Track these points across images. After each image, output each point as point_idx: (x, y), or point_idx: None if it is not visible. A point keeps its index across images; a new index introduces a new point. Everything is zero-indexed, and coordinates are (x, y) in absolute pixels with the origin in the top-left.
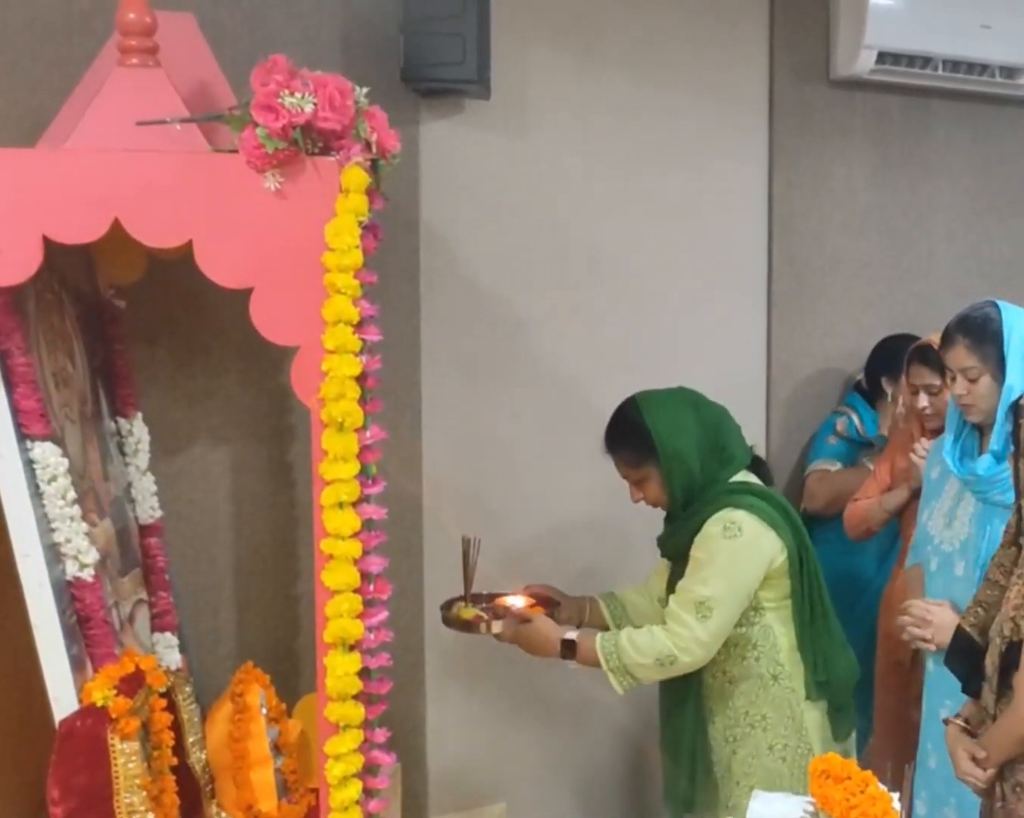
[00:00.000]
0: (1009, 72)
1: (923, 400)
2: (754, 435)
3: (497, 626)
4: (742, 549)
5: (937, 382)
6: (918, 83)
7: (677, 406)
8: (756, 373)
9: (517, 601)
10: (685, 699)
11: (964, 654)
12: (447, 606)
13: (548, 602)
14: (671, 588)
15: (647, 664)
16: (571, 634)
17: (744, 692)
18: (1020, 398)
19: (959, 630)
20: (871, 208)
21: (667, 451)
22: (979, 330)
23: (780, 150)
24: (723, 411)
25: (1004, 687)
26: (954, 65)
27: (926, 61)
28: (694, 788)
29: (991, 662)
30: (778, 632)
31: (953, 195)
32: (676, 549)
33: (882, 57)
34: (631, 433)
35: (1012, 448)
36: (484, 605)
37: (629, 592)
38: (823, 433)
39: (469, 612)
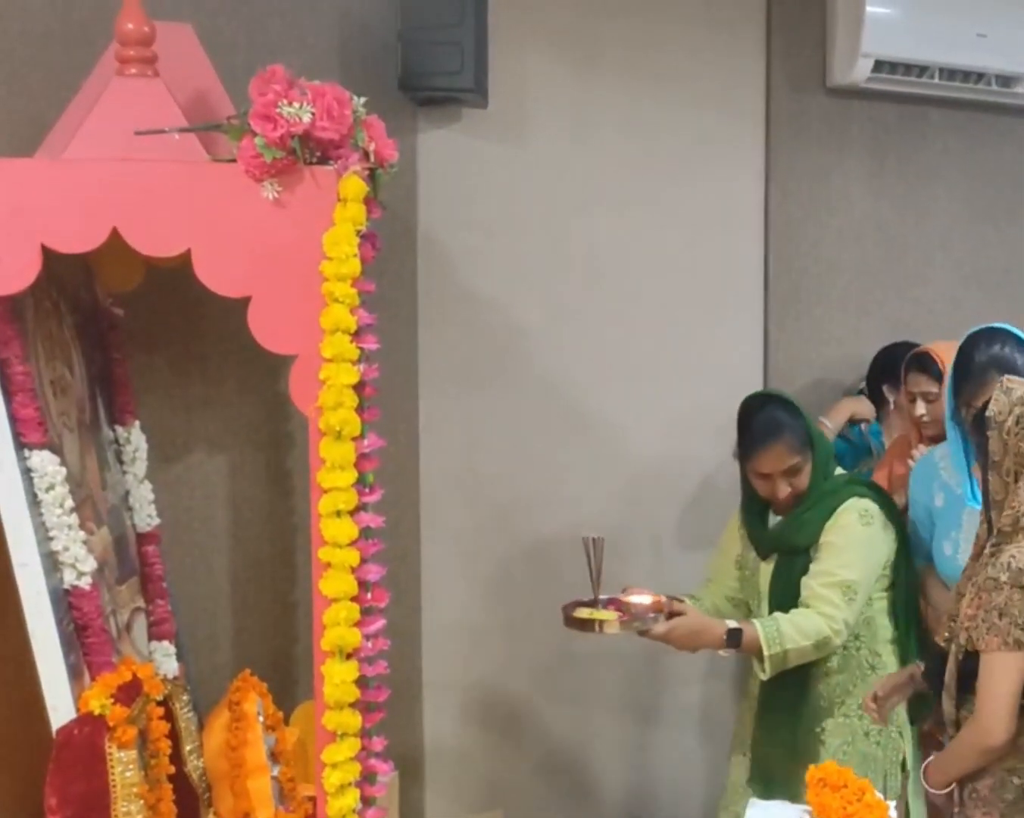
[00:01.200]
0: (1005, 81)
1: (920, 407)
2: None
3: (613, 627)
4: (875, 536)
5: (935, 389)
6: (915, 91)
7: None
8: (753, 380)
9: (643, 599)
10: (796, 686)
11: (940, 668)
12: (571, 607)
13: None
14: (780, 580)
15: (805, 647)
16: (733, 623)
17: (841, 682)
18: (986, 408)
19: (934, 645)
20: (868, 216)
21: (820, 439)
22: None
23: (777, 158)
24: None
25: (963, 694)
26: (950, 74)
27: (923, 70)
28: (787, 774)
29: (949, 670)
30: (879, 624)
31: (950, 203)
32: (794, 540)
33: (879, 65)
34: (792, 422)
35: (980, 459)
36: (614, 605)
37: (706, 594)
38: None
39: (609, 614)
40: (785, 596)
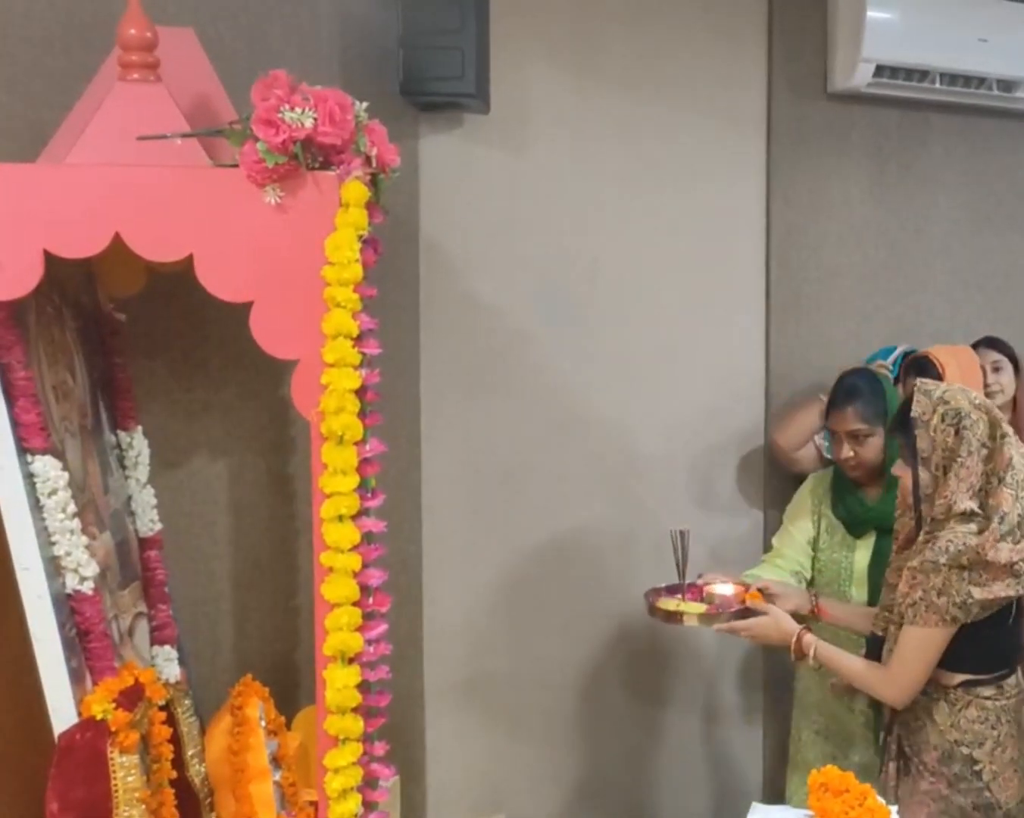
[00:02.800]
0: (1006, 85)
1: None
2: (753, 446)
3: (691, 620)
4: None
5: None
6: (915, 96)
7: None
8: (755, 385)
9: (726, 589)
10: None
11: (877, 653)
12: (653, 596)
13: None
14: (881, 560)
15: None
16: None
17: None
18: (909, 409)
19: (872, 636)
20: (868, 221)
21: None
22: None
23: (778, 163)
24: None
25: None
26: (951, 78)
27: (923, 74)
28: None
29: (887, 649)
30: None
31: (950, 208)
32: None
33: (880, 70)
34: (875, 390)
35: (908, 459)
36: (694, 594)
37: (769, 569)
38: None
39: (692, 606)
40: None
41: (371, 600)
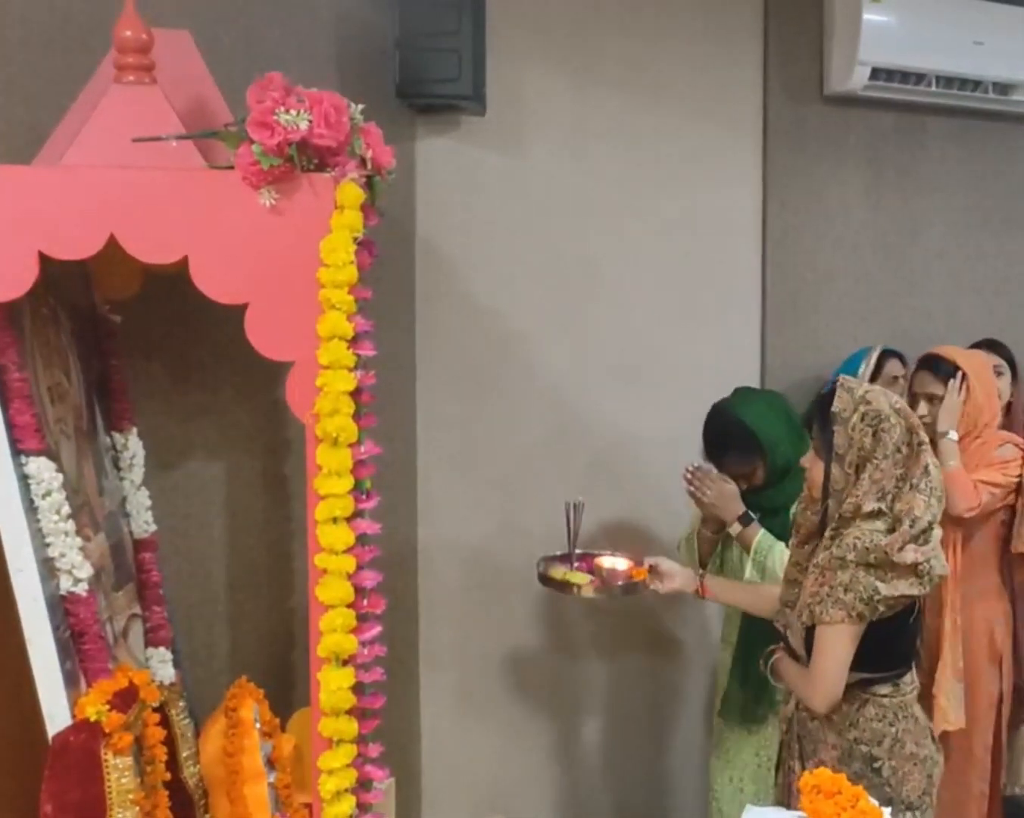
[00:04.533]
0: (1002, 88)
1: (923, 408)
2: None
3: (588, 591)
4: None
5: (940, 392)
6: (912, 99)
7: (764, 401)
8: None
9: (618, 563)
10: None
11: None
12: (544, 564)
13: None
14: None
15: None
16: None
17: None
18: (830, 403)
19: (778, 634)
20: (865, 224)
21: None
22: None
23: (774, 166)
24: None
25: None
26: (947, 81)
27: (920, 77)
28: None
29: (797, 644)
30: None
31: (947, 211)
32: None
33: (876, 73)
34: (739, 435)
35: (823, 453)
36: (587, 565)
37: None
38: None
39: (579, 576)
40: None
41: (366, 602)
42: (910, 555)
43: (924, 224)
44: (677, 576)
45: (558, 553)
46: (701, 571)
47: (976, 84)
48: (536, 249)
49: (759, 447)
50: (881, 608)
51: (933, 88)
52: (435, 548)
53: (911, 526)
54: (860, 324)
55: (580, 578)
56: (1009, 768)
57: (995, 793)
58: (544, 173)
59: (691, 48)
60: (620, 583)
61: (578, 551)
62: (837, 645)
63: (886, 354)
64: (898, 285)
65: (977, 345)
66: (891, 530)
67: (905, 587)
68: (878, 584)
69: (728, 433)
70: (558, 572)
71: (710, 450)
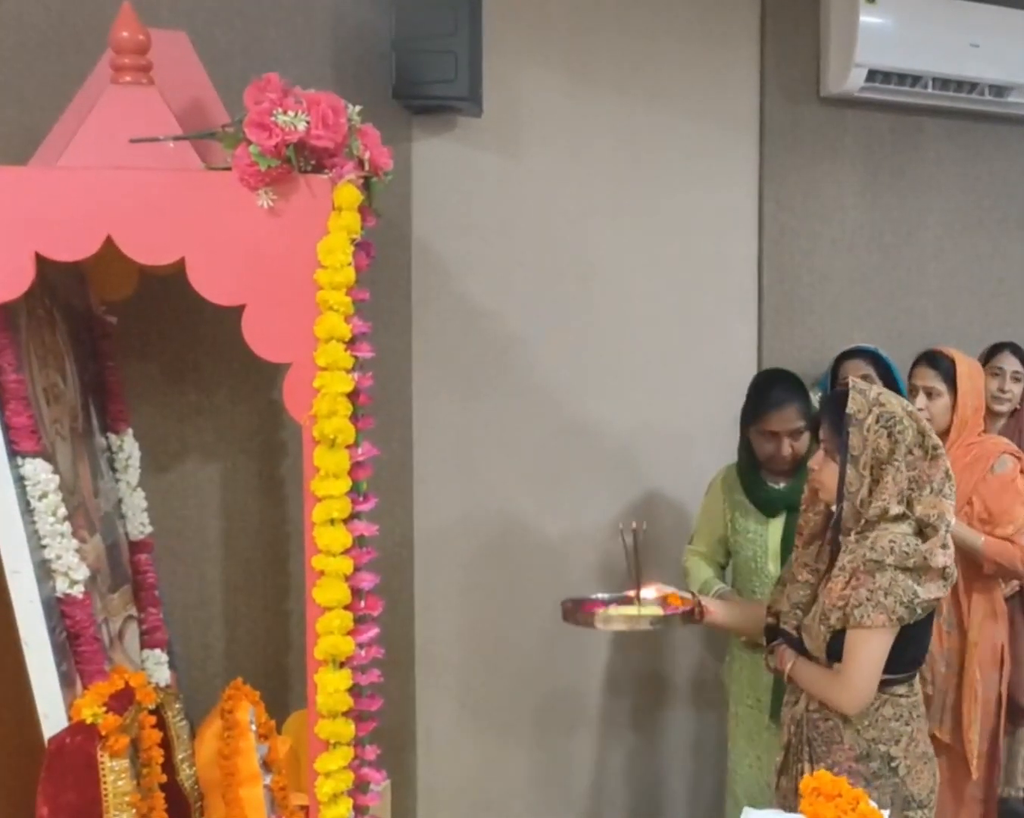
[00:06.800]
0: (998, 90)
1: (921, 400)
2: None
3: (645, 623)
4: None
5: (938, 386)
6: (908, 101)
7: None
8: (747, 387)
9: (649, 593)
10: None
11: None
12: (580, 604)
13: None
14: (790, 535)
15: None
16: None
17: None
18: (841, 406)
19: (787, 636)
20: (861, 225)
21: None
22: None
23: (770, 168)
24: None
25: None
26: (944, 83)
27: (916, 79)
28: None
29: (815, 647)
30: None
31: (943, 212)
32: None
33: (872, 75)
34: (800, 394)
35: (838, 455)
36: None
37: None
38: None
39: (652, 609)
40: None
41: (363, 604)
42: (940, 559)
43: (920, 225)
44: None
45: (580, 597)
46: (698, 597)
47: (972, 86)
48: (533, 251)
49: (809, 411)
50: (919, 611)
51: (929, 90)
52: (431, 550)
53: (947, 531)
54: (856, 324)
55: (654, 610)
56: (1005, 771)
57: (991, 796)
58: (541, 174)
59: (688, 49)
60: (680, 610)
61: (593, 596)
62: (877, 648)
63: (850, 355)
64: (894, 285)
65: (1002, 346)
66: (917, 532)
67: (936, 590)
68: (916, 588)
69: (791, 386)
70: (630, 609)
71: (774, 398)
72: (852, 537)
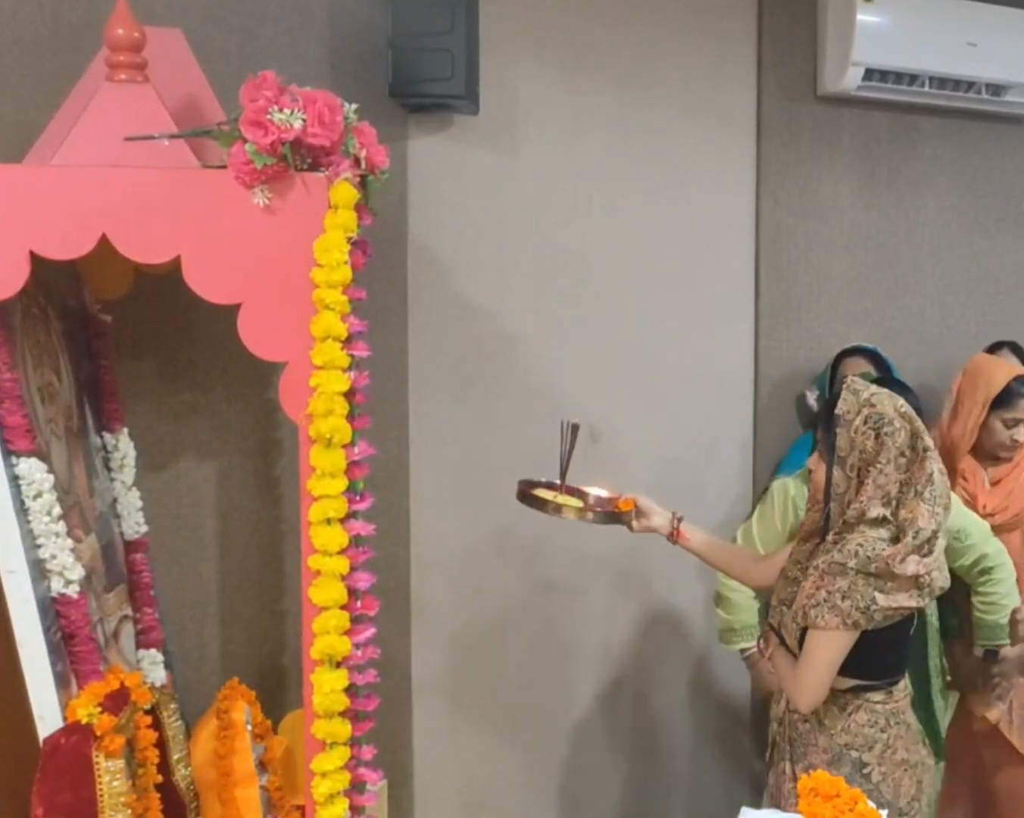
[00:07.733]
0: (995, 89)
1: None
2: (741, 448)
3: (570, 513)
4: None
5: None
6: (905, 100)
7: None
8: (744, 387)
9: (602, 493)
10: None
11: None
12: (529, 485)
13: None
14: None
15: None
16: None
17: None
18: (835, 407)
19: (769, 628)
20: (858, 224)
21: None
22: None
23: (767, 166)
24: None
25: None
26: (941, 82)
27: (913, 78)
28: None
29: (792, 643)
30: None
31: (940, 211)
32: None
33: (869, 74)
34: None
35: (825, 455)
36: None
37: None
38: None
39: (570, 500)
40: None
41: (359, 603)
42: (912, 567)
43: (917, 224)
44: (655, 516)
45: (541, 479)
46: (678, 515)
47: (969, 85)
48: (529, 249)
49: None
50: (877, 618)
51: (926, 89)
52: (427, 549)
53: (914, 537)
54: (853, 324)
55: (572, 501)
56: None
57: None
58: (537, 172)
59: (685, 47)
60: (607, 509)
61: (543, 479)
62: (828, 651)
63: (850, 353)
64: (891, 285)
65: (997, 345)
66: (895, 538)
67: (905, 599)
68: (876, 594)
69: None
70: (547, 494)
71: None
72: (831, 538)
